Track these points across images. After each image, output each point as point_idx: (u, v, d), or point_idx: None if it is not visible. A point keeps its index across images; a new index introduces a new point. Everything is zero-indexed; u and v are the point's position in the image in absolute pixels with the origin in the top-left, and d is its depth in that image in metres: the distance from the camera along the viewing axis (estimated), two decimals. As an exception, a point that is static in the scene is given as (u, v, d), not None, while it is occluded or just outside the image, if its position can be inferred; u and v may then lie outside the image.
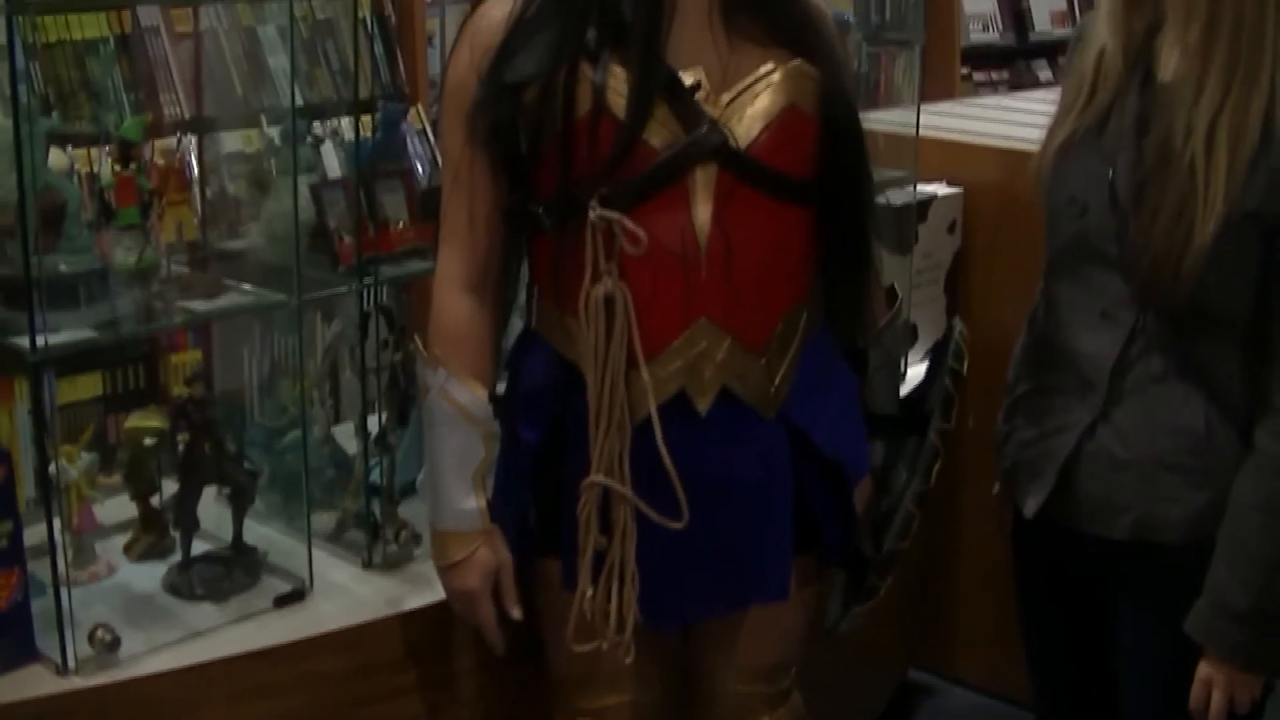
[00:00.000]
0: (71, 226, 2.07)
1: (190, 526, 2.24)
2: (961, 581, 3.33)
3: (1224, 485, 1.94)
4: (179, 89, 3.60)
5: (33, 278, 1.90)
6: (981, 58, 6.32)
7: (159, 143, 2.40)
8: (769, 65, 1.89)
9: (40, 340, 1.91)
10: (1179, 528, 1.99)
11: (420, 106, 3.62)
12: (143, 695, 1.99)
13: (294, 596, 2.21)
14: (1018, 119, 3.49)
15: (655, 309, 1.84)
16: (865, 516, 2.08)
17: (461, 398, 1.97)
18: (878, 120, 3.17)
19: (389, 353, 2.33)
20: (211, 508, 2.31)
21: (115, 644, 2.00)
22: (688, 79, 1.85)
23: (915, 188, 3.11)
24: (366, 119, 2.42)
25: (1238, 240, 1.88)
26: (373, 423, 2.35)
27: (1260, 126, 1.86)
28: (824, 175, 1.92)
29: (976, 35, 6.25)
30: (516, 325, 2.08)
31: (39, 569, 2.01)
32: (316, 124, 2.71)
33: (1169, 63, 1.95)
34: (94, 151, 2.99)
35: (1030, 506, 2.11)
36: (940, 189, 3.22)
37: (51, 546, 1.95)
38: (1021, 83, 6.30)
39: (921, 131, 3.12)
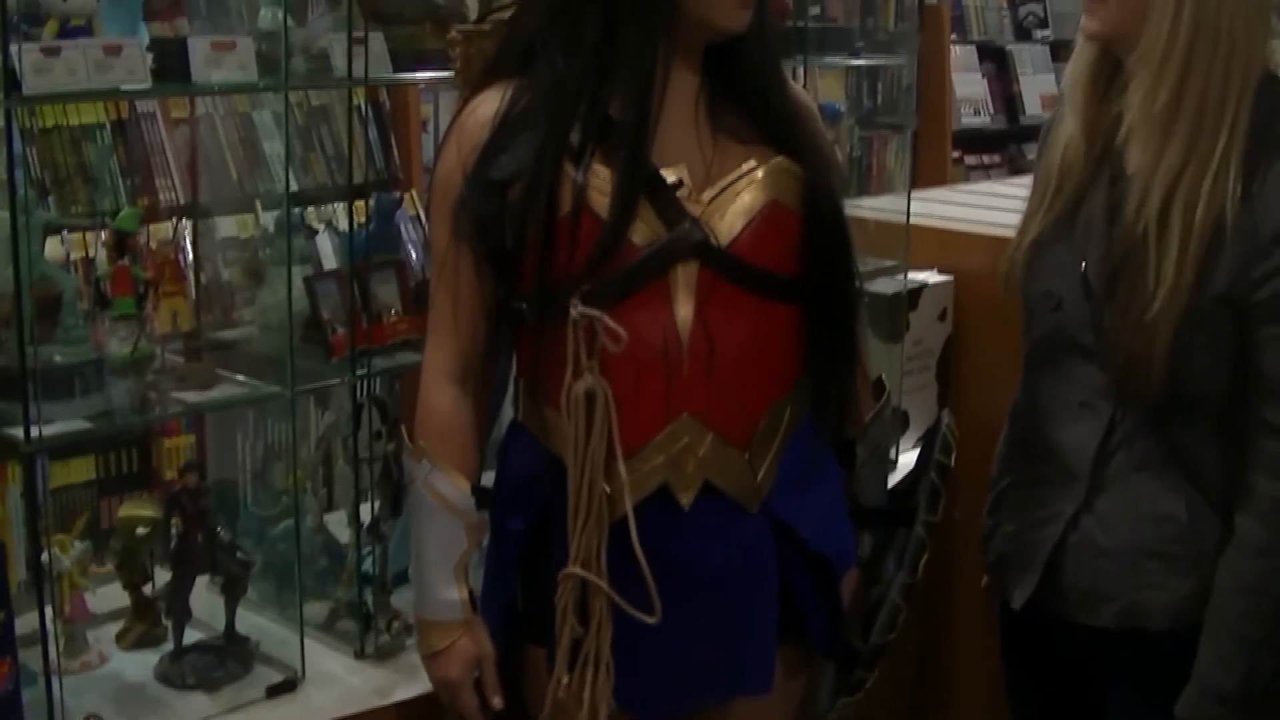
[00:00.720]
0: (68, 316, 2.09)
1: (183, 616, 2.25)
2: (957, 672, 3.32)
3: (1208, 571, 1.94)
4: (174, 174, 3.64)
5: (28, 368, 1.91)
6: (973, 141, 6.39)
7: (155, 227, 2.43)
8: (751, 162, 1.90)
9: (35, 431, 1.92)
10: (1164, 615, 1.99)
11: (414, 192, 3.64)
12: (134, 786, 1.99)
13: (286, 686, 2.21)
14: (1008, 205, 3.50)
15: (637, 404, 1.84)
16: (854, 607, 2.07)
17: (444, 489, 1.97)
18: (869, 208, 3.21)
19: (382, 443, 2.34)
20: (204, 597, 2.31)
21: (107, 734, 2.00)
22: (670, 177, 1.86)
23: (906, 276, 3.13)
24: (360, 204, 2.43)
25: (1210, 326, 1.88)
26: (365, 512, 2.36)
27: (1219, 206, 1.85)
28: (808, 272, 1.93)
29: (968, 119, 6.32)
30: (509, 414, 2.09)
31: (30, 658, 2.00)
32: (311, 210, 2.73)
33: (1135, 152, 1.92)
34: (89, 236, 3.02)
35: (1018, 599, 2.11)
36: (931, 276, 3.23)
37: (44, 636, 1.96)
38: (1013, 166, 6.36)
39: (913, 219, 3.15)
